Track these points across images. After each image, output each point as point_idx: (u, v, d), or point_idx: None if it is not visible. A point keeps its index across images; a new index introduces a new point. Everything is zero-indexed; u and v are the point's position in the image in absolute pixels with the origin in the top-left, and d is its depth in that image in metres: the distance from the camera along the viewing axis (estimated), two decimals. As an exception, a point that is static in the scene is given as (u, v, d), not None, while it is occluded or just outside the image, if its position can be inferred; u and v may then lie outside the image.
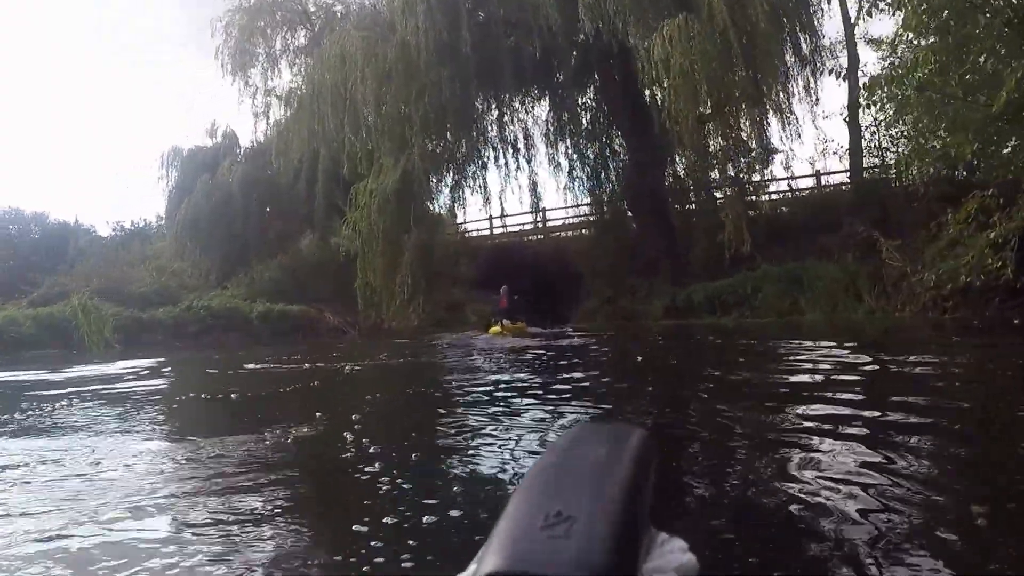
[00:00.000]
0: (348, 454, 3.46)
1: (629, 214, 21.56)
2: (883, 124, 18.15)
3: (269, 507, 2.58)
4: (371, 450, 3.48)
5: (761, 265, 16.89)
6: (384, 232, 18.42)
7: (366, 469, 3.01)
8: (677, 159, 20.29)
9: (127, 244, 34.10)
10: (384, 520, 2.30)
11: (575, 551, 0.37)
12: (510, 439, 3.67)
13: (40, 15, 60.35)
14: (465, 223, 26.28)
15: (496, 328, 16.27)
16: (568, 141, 22.90)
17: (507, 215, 25.19)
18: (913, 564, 1.81)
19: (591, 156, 22.27)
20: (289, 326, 18.79)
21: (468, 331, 18.71)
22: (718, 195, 18.86)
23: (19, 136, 55.33)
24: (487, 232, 27.07)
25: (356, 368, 7.80)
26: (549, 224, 25.55)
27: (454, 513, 2.37)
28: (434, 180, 22.92)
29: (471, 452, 3.47)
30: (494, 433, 3.84)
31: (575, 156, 22.70)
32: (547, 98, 23.21)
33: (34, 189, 60.02)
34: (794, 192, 20.77)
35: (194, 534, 2.29)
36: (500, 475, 2.98)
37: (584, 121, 22.54)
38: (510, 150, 22.96)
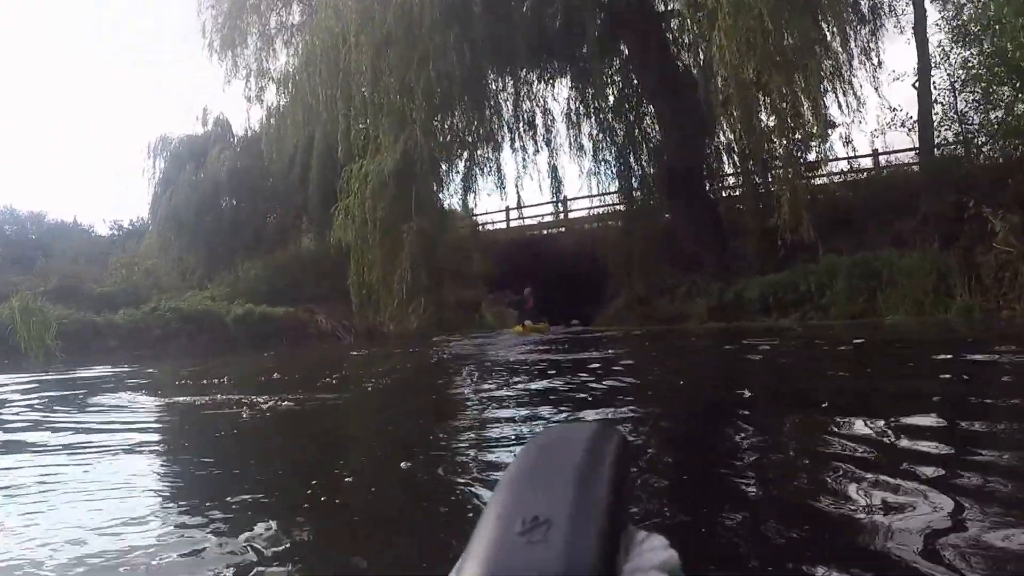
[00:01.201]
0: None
1: (664, 201, 18.68)
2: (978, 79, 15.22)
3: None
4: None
5: (825, 256, 14.02)
6: (380, 221, 15.80)
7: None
8: (720, 135, 17.47)
9: (122, 243, 32.04)
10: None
11: (554, 556, 0.36)
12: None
13: (40, 15, 58.57)
14: (477, 215, 23.57)
15: (519, 328, 15.77)
16: (592, 120, 20.19)
17: (524, 205, 22.49)
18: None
19: (619, 136, 19.44)
20: (272, 330, 16.24)
21: (481, 334, 16.22)
22: (769, 175, 15.98)
23: (19, 136, 53.48)
24: (503, 225, 24.35)
25: (282, 405, 4.93)
26: (571, 215, 22.80)
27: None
28: (444, 167, 20.39)
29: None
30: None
31: (600, 137, 19.96)
32: (568, 73, 20.49)
33: (35, 190, 58.24)
34: (856, 172, 17.78)
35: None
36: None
37: (611, 97, 19.74)
38: (527, 131, 20.33)
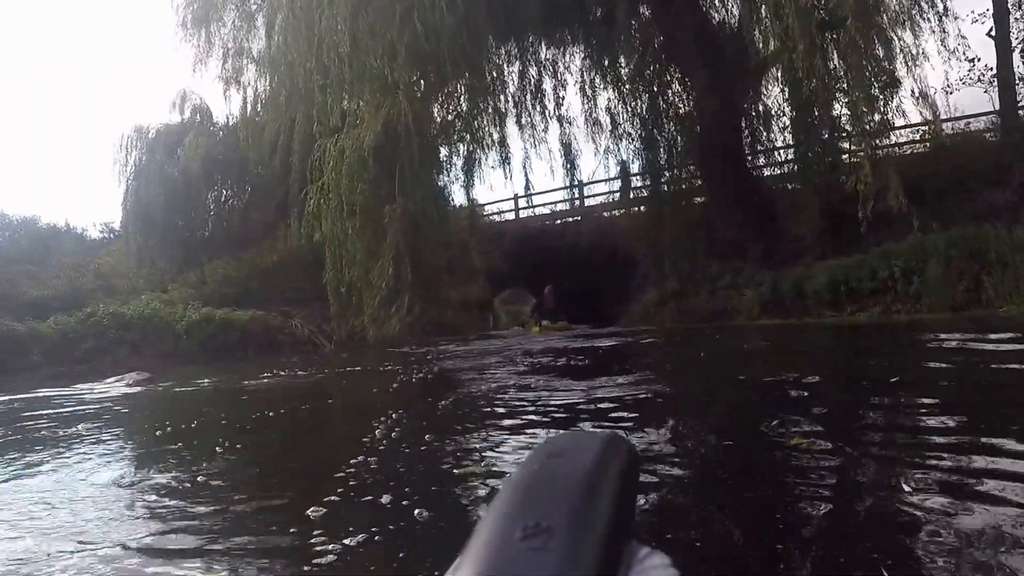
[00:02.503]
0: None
1: (697, 182, 15.60)
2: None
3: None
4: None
5: (912, 233, 10.94)
6: (360, 205, 12.91)
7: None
8: (764, 98, 14.50)
9: (110, 246, 29.52)
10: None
11: (553, 563, 0.35)
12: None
13: (37, 10, 56.16)
14: (482, 206, 20.62)
15: (536, 328, 15.03)
16: (611, 90, 17.19)
17: (534, 192, 19.57)
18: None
19: (643, 106, 16.35)
20: (236, 338, 13.36)
21: (488, 337, 13.48)
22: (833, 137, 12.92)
23: (15, 139, 51.08)
24: (511, 215, 21.37)
25: None
26: (588, 201, 19.83)
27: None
28: (444, 152, 17.58)
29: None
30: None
31: (620, 109, 16.93)
32: (581, 40, 17.52)
33: (30, 194, 55.73)
34: (931, 136, 14.55)
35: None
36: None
37: (631, 64, 16.68)
38: (536, 101, 17.45)
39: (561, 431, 2.77)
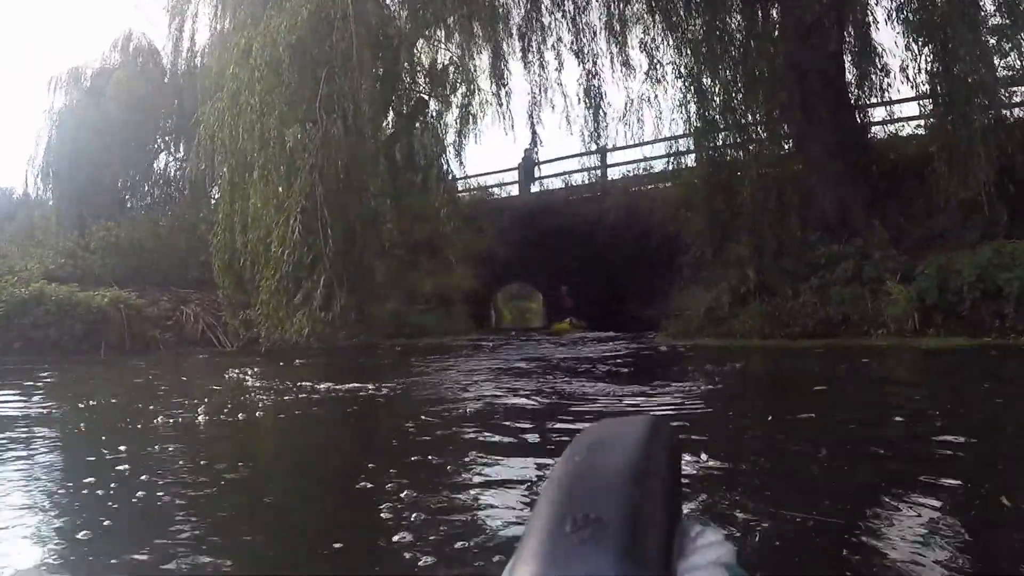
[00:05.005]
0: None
1: (778, 129, 10.15)
2: None
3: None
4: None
5: None
6: (271, 133, 7.68)
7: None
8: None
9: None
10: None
11: (607, 554, 0.33)
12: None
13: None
14: (475, 177, 15.40)
15: (563, 326, 12.83)
16: (650, 18, 11.85)
17: (544, 161, 14.40)
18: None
19: (691, 39, 10.87)
20: (80, 331, 8.18)
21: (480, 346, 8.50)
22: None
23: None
24: (514, 188, 16.07)
25: None
26: (612, 167, 14.53)
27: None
28: (433, 107, 12.55)
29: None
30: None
31: (659, 42, 11.63)
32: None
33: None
34: None
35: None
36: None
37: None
38: (548, 38, 12.33)
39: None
